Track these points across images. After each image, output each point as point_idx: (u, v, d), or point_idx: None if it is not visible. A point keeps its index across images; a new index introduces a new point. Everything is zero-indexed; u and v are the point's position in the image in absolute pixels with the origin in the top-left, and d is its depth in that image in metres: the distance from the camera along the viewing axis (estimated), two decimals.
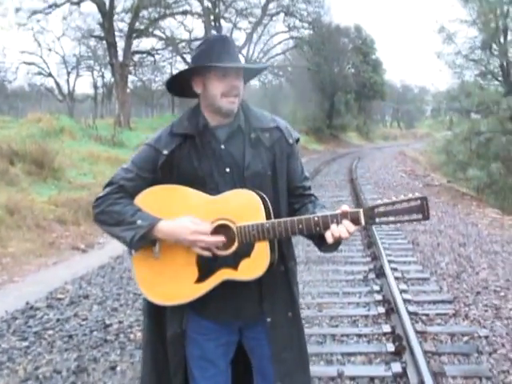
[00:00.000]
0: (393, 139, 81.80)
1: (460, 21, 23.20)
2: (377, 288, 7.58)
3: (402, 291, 7.23)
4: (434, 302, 7.03)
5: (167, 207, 2.70)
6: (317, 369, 5.16)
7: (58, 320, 6.71)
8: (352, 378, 5.01)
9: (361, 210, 2.60)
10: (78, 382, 5.08)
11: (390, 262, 8.71)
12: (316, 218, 2.61)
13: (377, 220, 2.59)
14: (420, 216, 2.56)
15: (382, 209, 2.58)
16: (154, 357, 2.88)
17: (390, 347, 5.60)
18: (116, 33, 37.83)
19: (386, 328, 6.13)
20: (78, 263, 9.86)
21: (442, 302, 7.05)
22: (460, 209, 15.86)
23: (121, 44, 37.50)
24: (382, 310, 6.72)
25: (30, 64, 56.75)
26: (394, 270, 8.35)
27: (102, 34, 37.64)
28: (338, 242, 2.65)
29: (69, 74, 61.17)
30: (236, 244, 2.63)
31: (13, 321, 6.75)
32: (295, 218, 2.63)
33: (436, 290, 7.56)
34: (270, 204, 2.68)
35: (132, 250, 2.73)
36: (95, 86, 64.10)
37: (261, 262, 2.64)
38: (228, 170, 2.74)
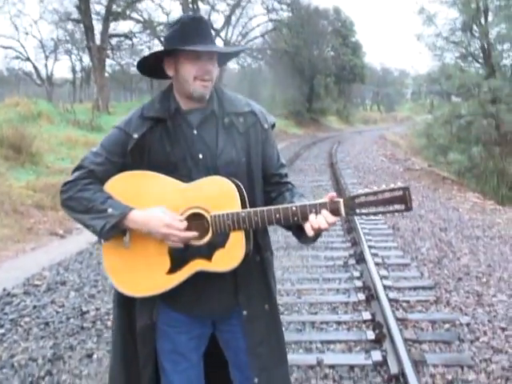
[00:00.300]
0: (373, 123, 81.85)
1: (440, 1, 23.08)
2: (357, 274, 7.54)
3: (382, 277, 7.19)
4: (415, 289, 6.99)
5: (138, 194, 2.60)
6: (296, 357, 5.11)
7: (34, 307, 6.61)
8: (331, 367, 4.94)
9: (341, 200, 2.51)
10: (53, 370, 4.99)
11: (370, 247, 8.66)
12: (294, 208, 2.52)
13: (357, 211, 2.49)
14: (403, 206, 2.47)
15: (362, 199, 2.48)
16: (123, 348, 2.78)
17: (370, 335, 5.55)
18: (93, 16, 37.44)
19: (366, 315, 6.08)
20: (56, 249, 9.74)
21: (423, 288, 7.01)
22: (441, 193, 15.92)
23: (98, 27, 37.18)
24: (362, 296, 6.67)
25: (7, 48, 56.09)
26: (375, 255, 8.30)
27: (79, 17, 37.21)
28: (317, 233, 2.56)
29: (47, 58, 60.51)
30: (210, 234, 2.54)
31: None
32: (272, 208, 2.54)
33: (417, 276, 7.54)
34: (245, 192, 2.59)
35: (102, 239, 2.63)
36: (73, 71, 63.51)
37: (236, 253, 2.55)
38: (201, 156, 2.63)
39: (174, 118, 2.66)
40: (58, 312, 6.44)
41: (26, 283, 7.60)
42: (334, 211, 2.50)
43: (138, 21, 43.91)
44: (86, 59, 54.17)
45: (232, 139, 2.67)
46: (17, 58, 58.29)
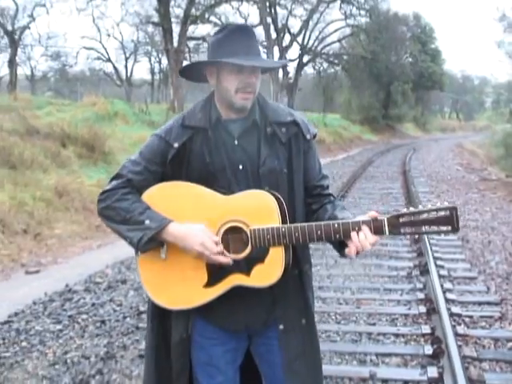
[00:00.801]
0: (451, 131, 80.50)
1: None
2: (420, 286, 7.33)
3: (446, 290, 6.99)
4: (480, 304, 6.74)
5: (177, 206, 2.54)
6: (348, 369, 5.00)
7: (93, 304, 6.69)
8: (384, 381, 4.80)
9: (385, 219, 2.42)
10: (104, 369, 5.00)
11: (436, 258, 8.44)
12: (336, 225, 2.44)
13: (402, 230, 2.41)
14: (449, 228, 2.37)
15: (407, 218, 2.40)
16: (156, 361, 2.72)
17: (428, 350, 5.35)
18: (172, 19, 37.94)
19: (426, 329, 5.88)
20: (121, 247, 9.75)
21: (488, 303, 6.75)
22: None
23: (177, 30, 37.63)
24: (423, 309, 6.47)
25: (89, 49, 57.74)
26: (441, 267, 8.08)
27: (159, 20, 37.77)
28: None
29: (127, 59, 61.90)
30: (249, 248, 2.47)
31: (50, 303, 6.77)
32: (314, 224, 2.46)
33: (483, 290, 7.27)
34: (285, 206, 2.51)
35: (140, 251, 2.56)
36: (152, 72, 64.69)
37: (275, 269, 2.48)
38: (241, 166, 2.57)
39: (215, 127, 2.61)
40: (115, 310, 6.49)
41: (88, 280, 7.72)
42: (378, 229, 2.42)
43: (215, 24, 44.26)
44: (165, 61, 55.04)
45: (274, 149, 2.61)
46: (98, 58, 59.95)
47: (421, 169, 24.32)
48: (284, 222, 2.48)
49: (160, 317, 2.68)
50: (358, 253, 2.46)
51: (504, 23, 22.68)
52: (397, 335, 5.82)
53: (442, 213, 2.36)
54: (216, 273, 2.51)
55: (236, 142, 2.60)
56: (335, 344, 5.63)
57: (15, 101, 25.16)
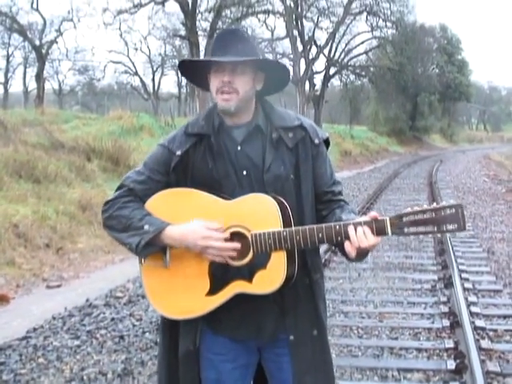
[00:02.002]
0: (478, 142, 79.83)
1: None
2: (444, 299, 7.21)
3: (470, 303, 6.88)
4: (505, 317, 6.62)
5: (178, 212, 2.51)
6: None
7: (112, 319, 6.66)
8: None
9: (387, 218, 2.34)
10: None
11: (461, 271, 8.33)
12: (337, 227, 2.37)
13: (405, 230, 2.32)
14: (455, 226, 2.27)
15: (411, 217, 2.30)
16: (168, 375, 2.65)
17: (451, 365, 5.23)
18: (199, 32, 38.19)
19: (449, 343, 5.76)
20: None
21: None
22: None
23: (203, 43, 37.83)
24: (446, 323, 6.35)
25: (117, 63, 58.21)
26: (465, 280, 7.96)
27: (186, 34, 38.01)
28: (365, 251, 2.40)
29: (154, 72, 62.27)
30: (251, 254, 2.40)
31: (69, 318, 6.75)
32: (315, 226, 2.39)
33: (508, 303, 7.14)
34: (289, 210, 2.44)
35: (140, 257, 2.54)
36: (179, 85, 64.91)
37: (277, 275, 2.40)
38: (245, 172, 2.53)
39: (218, 133, 2.57)
40: (134, 325, 6.44)
41: (109, 295, 7.69)
42: (380, 230, 2.34)
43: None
44: None
45: (280, 155, 2.55)
46: (125, 72, 60.38)
47: (447, 180, 24.11)
48: (287, 226, 2.41)
49: (169, 328, 2.63)
50: (357, 253, 2.38)
51: None
52: (419, 350, 5.71)
53: (448, 211, 2.27)
54: (218, 280, 2.46)
55: (239, 148, 2.56)
56: (356, 359, 5.54)
57: (42, 115, 25.37)
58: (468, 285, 7.76)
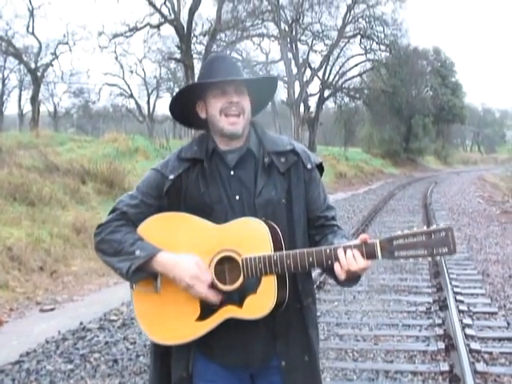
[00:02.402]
0: (472, 164, 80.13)
1: None
2: (439, 321, 7.18)
3: (465, 326, 6.85)
4: (500, 339, 6.59)
5: (170, 236, 2.50)
6: None
7: (106, 343, 6.61)
8: None
9: (377, 242, 2.33)
10: None
11: (456, 293, 8.33)
12: (328, 251, 2.36)
13: (395, 254, 2.30)
14: (445, 250, 2.27)
15: (401, 241, 2.29)
16: None
17: None
18: (194, 55, 38.44)
19: (444, 366, 5.73)
20: None
21: (509, 339, 6.60)
22: None
23: (198, 66, 37.97)
24: (441, 345, 6.32)
25: (112, 85, 58.29)
26: (460, 302, 7.95)
27: (181, 57, 38.19)
28: (356, 276, 2.40)
29: (149, 95, 62.41)
30: (241, 278, 2.39)
31: (62, 342, 6.69)
32: (305, 250, 2.39)
33: (503, 325, 7.12)
34: (281, 234, 2.44)
35: (131, 283, 2.53)
36: None
37: (267, 300, 2.39)
38: (237, 197, 2.53)
39: (211, 158, 2.58)
40: (128, 349, 6.40)
41: (103, 318, 7.65)
42: (370, 254, 2.33)
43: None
44: None
45: (272, 179, 2.55)
46: (121, 95, 60.48)
47: (442, 202, 24.15)
48: (278, 251, 2.40)
49: (162, 356, 2.60)
50: (348, 277, 2.37)
51: None
52: (414, 373, 5.69)
53: (438, 234, 2.27)
54: (208, 306, 2.44)
55: (232, 173, 2.57)
56: (351, 383, 5.51)
57: (37, 138, 25.44)
58: (463, 307, 7.74)
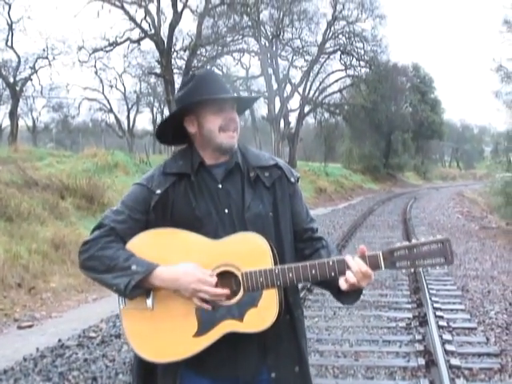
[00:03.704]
0: (451, 179, 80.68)
1: None
2: (419, 337, 7.19)
3: (445, 341, 6.86)
4: (479, 355, 6.60)
5: (163, 253, 2.48)
6: None
7: (85, 360, 6.54)
8: None
9: (380, 253, 2.42)
10: None
11: (436, 309, 8.36)
12: (331, 263, 2.41)
13: (397, 264, 2.41)
14: (443, 260, 2.39)
15: (402, 252, 2.41)
16: None
17: None
18: (175, 70, 38.40)
19: (425, 382, 5.73)
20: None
21: (488, 355, 6.61)
22: None
23: (179, 81, 37.98)
24: (422, 361, 6.33)
25: (91, 100, 58.03)
26: (440, 317, 7.96)
27: (161, 72, 38.17)
28: (358, 290, 2.47)
29: (129, 110, 62.22)
30: (241, 292, 2.41)
31: (40, 359, 6.61)
32: (308, 263, 2.42)
33: (483, 341, 7.13)
34: (275, 248, 2.46)
35: (126, 299, 2.48)
36: (154, 123, 64.87)
37: (269, 313, 2.41)
38: (227, 210, 2.55)
39: (198, 172, 2.59)
40: (107, 366, 6.33)
41: (82, 335, 7.57)
42: (373, 265, 2.41)
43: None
44: (167, 112, 55.44)
45: (259, 193, 2.59)
46: (100, 109, 60.20)
47: (421, 217, 24.27)
48: (276, 263, 2.43)
49: (145, 373, 2.57)
50: (358, 291, 2.48)
51: (501, 73, 22.86)
52: None
53: (435, 245, 2.39)
54: (206, 321, 2.43)
55: (220, 186, 2.58)
56: None
57: (15, 152, 25.24)
58: (442, 323, 7.75)
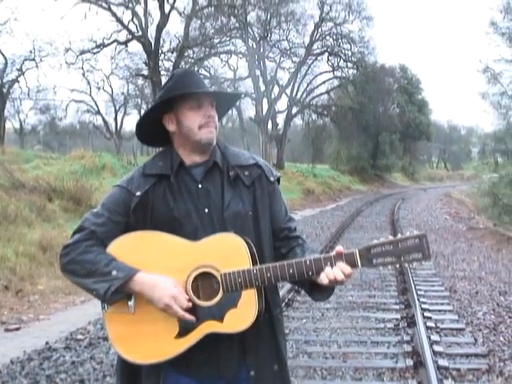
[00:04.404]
0: (439, 180, 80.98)
1: (506, 61, 22.84)
2: (407, 338, 7.20)
3: (433, 342, 6.87)
4: (467, 356, 6.61)
5: (144, 256, 2.48)
6: None
7: (72, 363, 6.50)
8: None
9: (356, 251, 2.42)
10: None
11: (424, 310, 8.37)
12: (308, 262, 2.42)
13: (374, 261, 2.40)
14: (420, 255, 2.39)
15: (378, 249, 2.40)
16: None
17: None
18: (162, 72, 38.37)
19: (413, 383, 5.75)
20: None
21: (476, 355, 6.63)
22: (504, 254, 15.28)
23: None
24: (410, 362, 6.34)
25: (79, 102, 57.76)
26: (428, 318, 7.98)
27: (148, 73, 38.11)
28: (331, 287, 2.49)
29: (116, 112, 62.01)
30: (221, 293, 2.41)
31: (28, 362, 6.56)
32: (285, 262, 2.43)
33: (470, 342, 7.15)
34: (254, 248, 2.47)
35: (107, 304, 2.49)
36: None
37: (248, 313, 2.42)
38: (206, 210, 2.55)
39: (178, 173, 2.59)
40: (95, 369, 6.30)
41: (69, 337, 7.52)
42: (350, 263, 2.42)
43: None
44: None
45: (238, 192, 2.59)
46: (88, 111, 59.94)
47: (409, 218, 24.35)
48: (254, 263, 2.44)
49: (128, 374, 2.57)
50: (330, 288, 2.50)
51: (487, 75, 23.00)
52: None
53: (413, 241, 2.39)
54: (187, 322, 2.43)
55: (200, 186, 2.58)
56: None
57: (2, 155, 25.10)
58: (431, 323, 7.76)
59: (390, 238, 2.42)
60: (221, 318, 2.43)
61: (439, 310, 8.68)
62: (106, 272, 2.43)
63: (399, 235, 2.43)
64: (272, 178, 2.68)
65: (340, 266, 2.40)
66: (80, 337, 7.53)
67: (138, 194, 2.55)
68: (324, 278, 2.41)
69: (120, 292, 2.42)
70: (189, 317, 2.40)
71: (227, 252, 2.44)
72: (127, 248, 2.51)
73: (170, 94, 2.56)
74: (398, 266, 2.45)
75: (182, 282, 2.44)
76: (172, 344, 2.45)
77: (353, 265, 2.42)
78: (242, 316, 2.43)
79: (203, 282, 2.44)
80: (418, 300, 8.82)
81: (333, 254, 2.44)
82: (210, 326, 2.43)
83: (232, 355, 2.54)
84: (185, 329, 2.44)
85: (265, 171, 2.67)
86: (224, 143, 2.72)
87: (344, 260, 2.41)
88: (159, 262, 2.46)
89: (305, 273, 2.42)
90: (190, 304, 2.40)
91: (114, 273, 2.42)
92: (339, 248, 2.45)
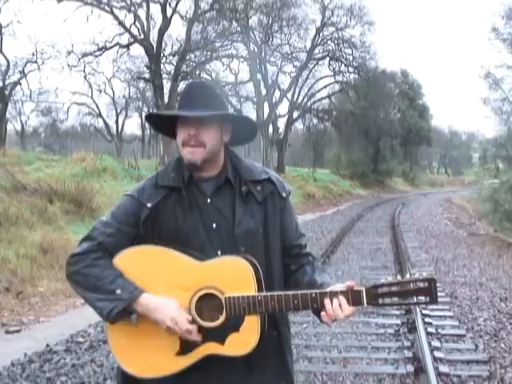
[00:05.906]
0: (440, 186, 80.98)
1: (507, 66, 22.88)
2: (408, 344, 7.19)
3: (434, 348, 6.87)
4: (468, 362, 6.60)
5: (150, 272, 2.46)
6: None
7: (73, 365, 6.50)
8: None
9: (363, 289, 2.38)
10: None
11: (424, 315, 8.35)
12: (313, 295, 2.39)
13: (380, 301, 2.37)
14: (427, 299, 2.36)
15: (386, 289, 2.36)
16: None
17: None
18: (163, 75, 38.46)
19: None
20: None
21: (477, 362, 6.62)
22: (505, 260, 15.25)
23: (168, 86, 38.03)
24: (410, 368, 6.33)
25: (80, 104, 57.88)
26: (429, 324, 7.98)
27: (150, 77, 38.15)
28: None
29: (118, 114, 62.11)
30: (223, 316, 2.39)
31: (28, 364, 6.56)
32: (290, 293, 2.39)
33: (471, 348, 7.14)
34: (261, 271, 2.43)
35: (108, 322, 2.48)
36: (143, 127, 64.83)
37: (250, 338, 2.40)
38: (214, 225, 2.50)
39: (188, 186, 2.54)
40: (95, 372, 6.30)
41: (70, 340, 7.52)
42: (356, 300, 2.38)
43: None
44: None
45: (250, 208, 2.55)
46: (89, 114, 60.12)
47: (410, 223, 24.34)
48: (260, 289, 2.41)
49: (130, 380, 2.53)
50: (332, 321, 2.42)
51: (489, 80, 23.06)
52: None
53: (421, 284, 2.35)
54: (189, 341, 2.41)
55: (209, 201, 2.54)
56: None
57: (4, 156, 25.12)
58: (431, 329, 7.76)
59: (399, 278, 2.39)
60: (222, 341, 2.41)
61: (440, 316, 8.65)
62: (110, 290, 2.40)
63: (407, 276, 2.39)
64: (284, 194, 2.63)
65: (341, 304, 2.36)
66: (80, 339, 7.53)
67: (149, 205, 2.51)
68: (324, 318, 2.39)
69: (123, 313, 2.41)
70: (193, 338, 2.39)
71: (233, 276, 2.41)
72: (134, 262, 2.49)
73: (163, 113, 2.65)
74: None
75: (186, 301, 2.42)
76: (171, 361, 2.44)
77: (358, 303, 2.38)
78: (243, 341, 2.41)
79: (207, 303, 2.42)
80: (419, 306, 8.79)
81: (339, 289, 2.39)
82: (211, 348, 2.42)
83: (237, 372, 2.50)
84: (186, 347, 2.43)
85: (277, 187, 2.62)
86: (237, 155, 2.67)
87: (350, 297, 2.37)
88: (164, 279, 2.44)
89: (309, 305, 2.39)
90: (191, 327, 2.38)
91: (118, 291, 2.40)
92: (350, 283, 2.40)
